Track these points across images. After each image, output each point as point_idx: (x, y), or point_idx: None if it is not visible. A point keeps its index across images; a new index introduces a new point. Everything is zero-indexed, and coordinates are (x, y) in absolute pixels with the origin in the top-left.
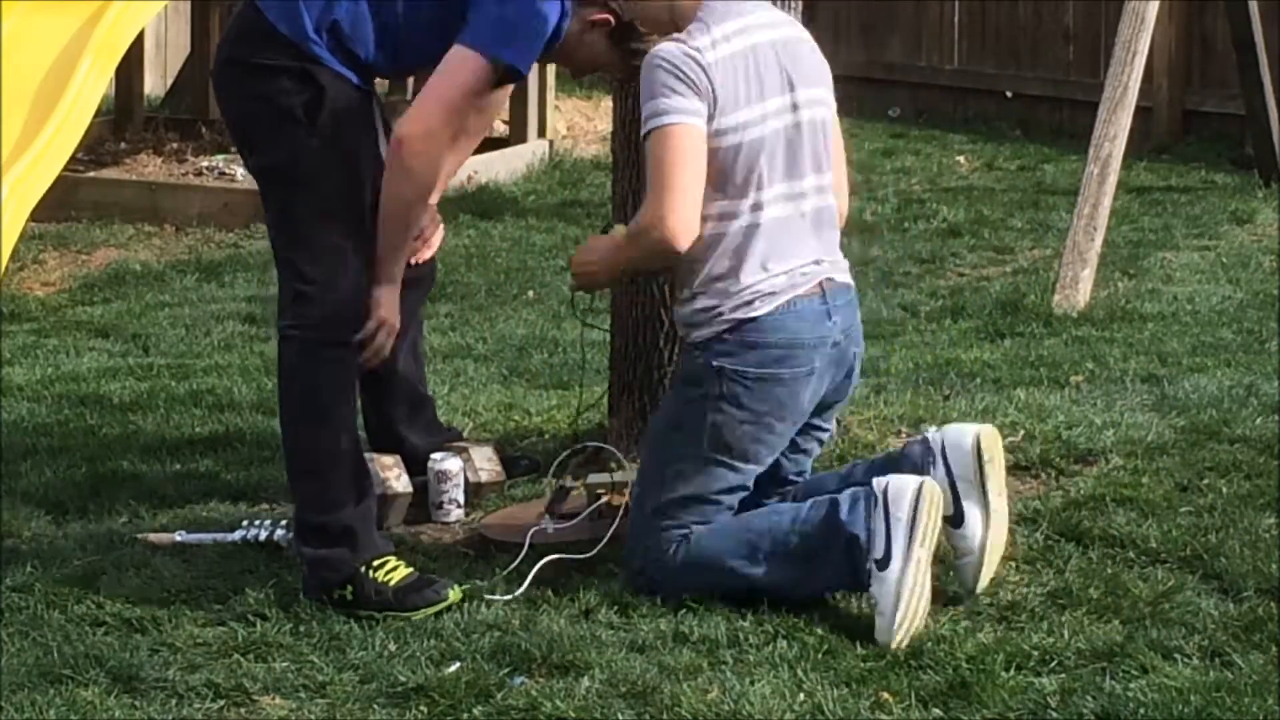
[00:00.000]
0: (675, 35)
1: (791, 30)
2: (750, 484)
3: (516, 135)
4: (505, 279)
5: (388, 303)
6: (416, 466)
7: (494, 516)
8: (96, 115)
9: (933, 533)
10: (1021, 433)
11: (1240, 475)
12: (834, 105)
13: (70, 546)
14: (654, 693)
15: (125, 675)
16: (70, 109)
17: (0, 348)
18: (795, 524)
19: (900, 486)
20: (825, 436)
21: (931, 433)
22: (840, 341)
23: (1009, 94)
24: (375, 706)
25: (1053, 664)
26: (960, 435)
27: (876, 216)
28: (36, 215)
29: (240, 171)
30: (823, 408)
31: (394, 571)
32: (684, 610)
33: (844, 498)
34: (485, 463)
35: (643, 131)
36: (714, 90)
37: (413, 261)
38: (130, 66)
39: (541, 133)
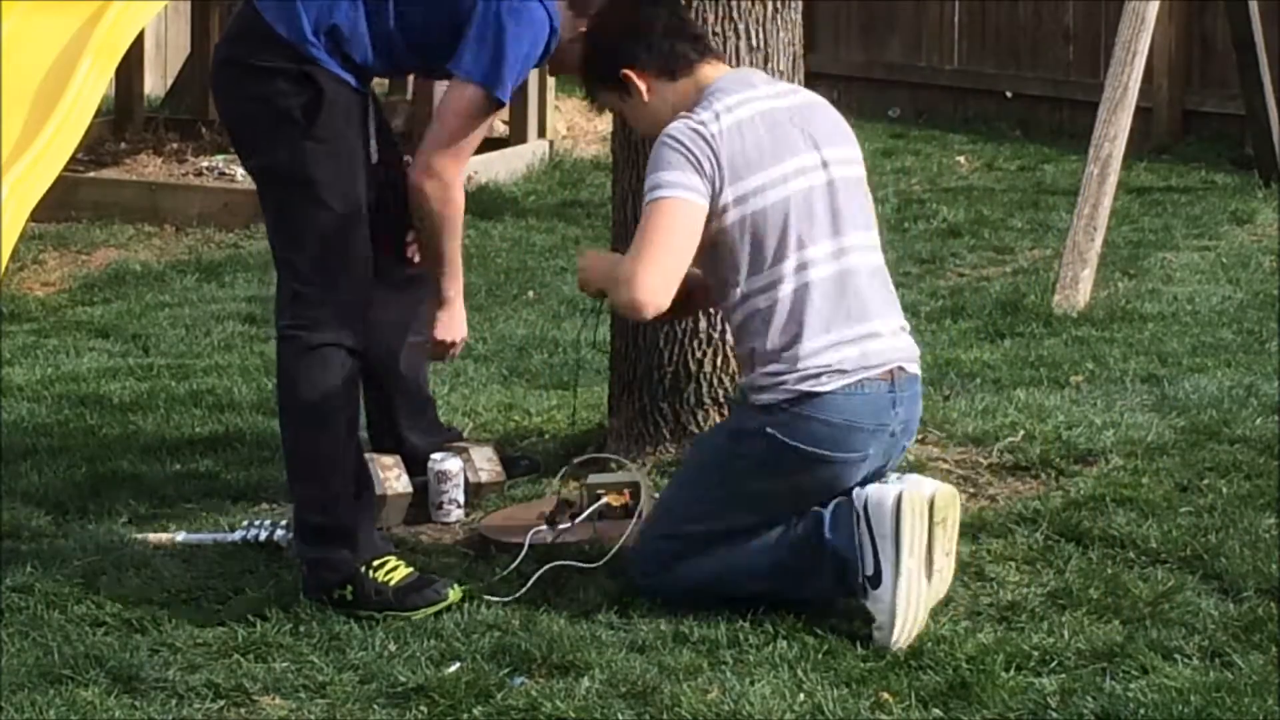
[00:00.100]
0: (684, 113)
1: (805, 97)
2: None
3: (516, 135)
4: (505, 279)
5: (454, 320)
6: (416, 466)
7: (494, 517)
8: (96, 115)
9: (920, 540)
10: (1021, 433)
11: (1240, 475)
12: (862, 165)
13: (70, 546)
14: (654, 693)
15: (125, 675)
16: (70, 109)
17: (0, 348)
18: (785, 538)
19: (879, 499)
20: None
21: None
22: (897, 432)
23: (1009, 94)
24: (375, 706)
25: (1053, 664)
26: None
27: (877, 217)
28: (36, 215)
29: (240, 172)
30: None
31: (394, 571)
32: (684, 610)
33: (827, 514)
34: (485, 463)
35: (642, 205)
36: (719, 161)
37: (415, 259)
38: (130, 66)
39: (541, 133)
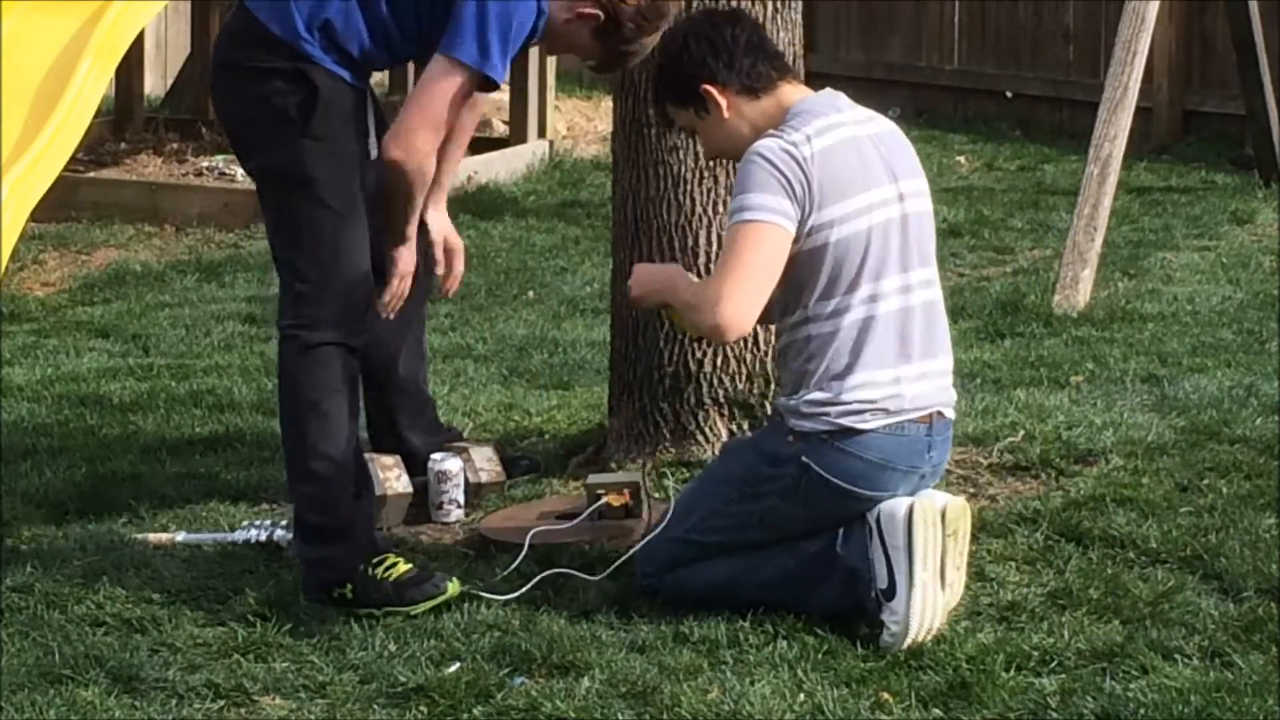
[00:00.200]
0: (772, 131)
1: (884, 124)
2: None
3: (516, 135)
4: (505, 279)
5: (406, 257)
6: (416, 467)
7: (494, 517)
8: (96, 115)
9: (934, 551)
10: (1021, 433)
11: (1240, 475)
12: (929, 197)
13: (70, 546)
14: (654, 693)
15: (125, 675)
16: (70, 109)
17: (0, 348)
18: (794, 549)
19: (891, 512)
20: None
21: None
22: (926, 475)
23: (1009, 94)
24: (375, 706)
25: (1053, 664)
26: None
27: None
28: (36, 215)
29: (240, 172)
30: None
31: (393, 568)
32: (684, 610)
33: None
34: (485, 463)
35: (728, 221)
36: (810, 185)
37: (436, 292)
38: (130, 66)
39: (541, 133)
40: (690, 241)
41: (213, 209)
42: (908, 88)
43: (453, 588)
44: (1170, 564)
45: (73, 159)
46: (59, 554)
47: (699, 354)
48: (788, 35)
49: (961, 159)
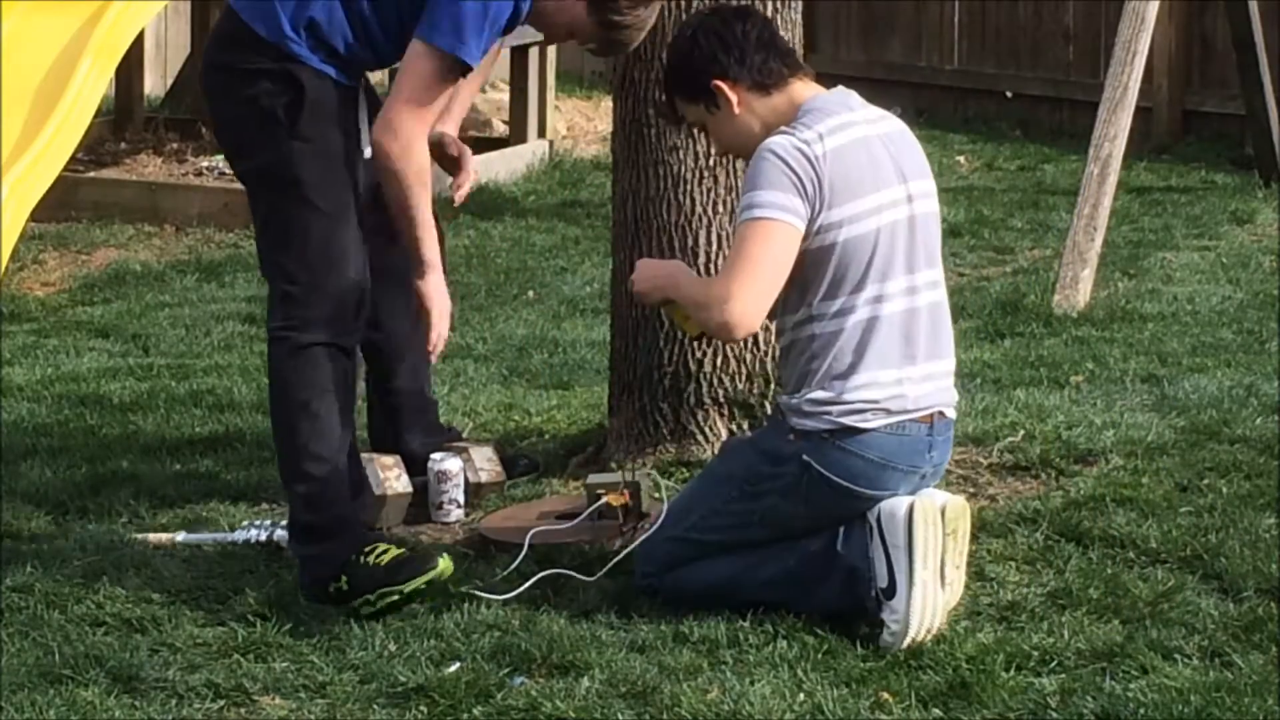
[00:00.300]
0: (784, 128)
1: (895, 124)
2: None
3: (516, 135)
4: (505, 279)
5: (433, 290)
6: (416, 468)
7: (494, 517)
8: (96, 115)
9: (934, 550)
10: (1021, 433)
11: (1240, 475)
12: (937, 198)
13: (70, 546)
14: (654, 693)
15: (125, 675)
16: (70, 109)
17: (0, 348)
18: (795, 548)
19: (891, 511)
20: None
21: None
22: (927, 475)
23: (1009, 94)
24: (375, 706)
25: (1053, 664)
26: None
27: None
28: (36, 215)
29: None
30: None
31: (384, 554)
32: (684, 610)
33: (840, 527)
34: (485, 463)
35: (738, 218)
36: (821, 184)
37: (455, 201)
38: (130, 66)
39: (541, 133)
40: (690, 241)
41: (213, 209)
42: (908, 88)
43: (444, 563)
44: (1170, 564)
45: (73, 159)
46: (59, 554)
47: (699, 354)
48: (788, 35)
49: (961, 159)
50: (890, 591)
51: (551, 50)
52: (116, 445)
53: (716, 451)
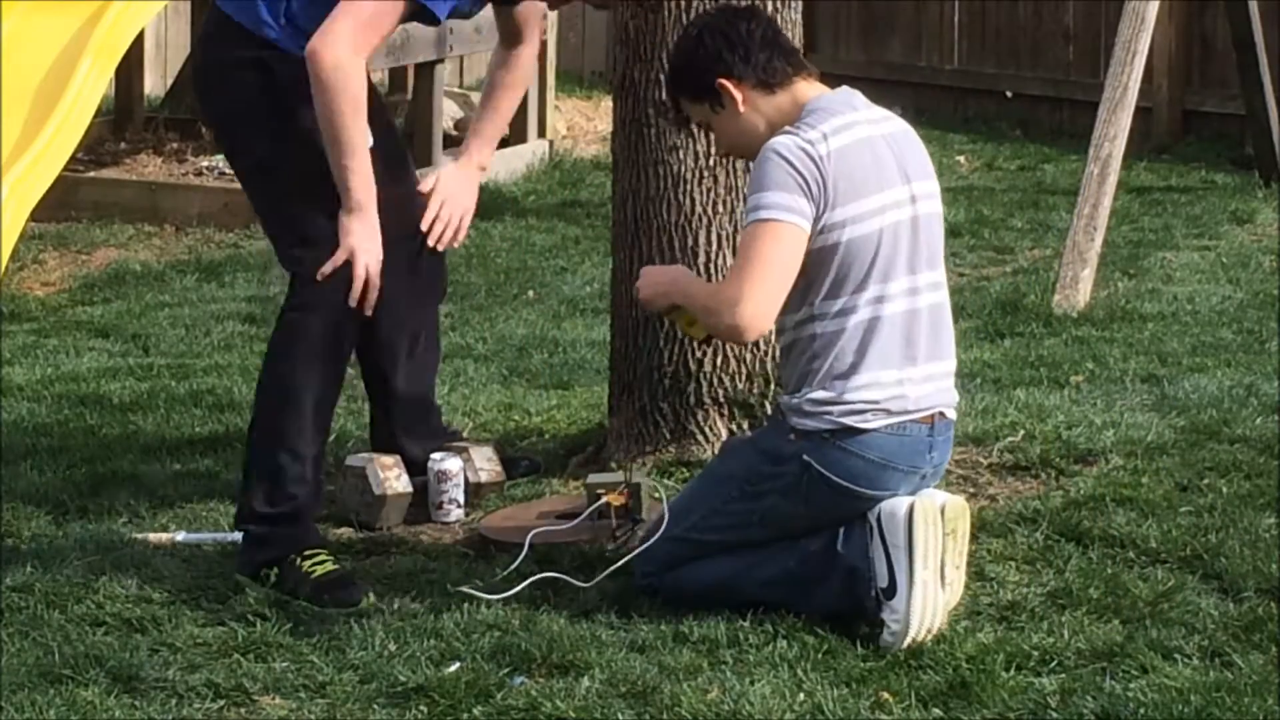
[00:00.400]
0: (788, 128)
1: (899, 125)
2: None
3: (516, 135)
4: (505, 279)
5: (356, 230)
6: (416, 469)
7: (494, 517)
8: (96, 115)
9: (935, 549)
10: (1021, 433)
11: (1240, 475)
12: (940, 199)
13: (70, 546)
14: (654, 693)
15: (125, 675)
16: (70, 109)
17: (0, 348)
18: (795, 548)
19: (892, 510)
20: None
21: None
22: (927, 475)
23: (1009, 94)
24: (375, 706)
25: (1053, 664)
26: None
27: None
28: (36, 215)
29: None
30: None
31: (319, 565)
32: (684, 610)
33: (840, 528)
34: (485, 463)
35: (745, 219)
36: (825, 183)
37: (440, 248)
38: (130, 66)
39: (541, 133)
40: (690, 241)
41: (213, 209)
42: (908, 88)
43: (366, 602)
44: (1170, 564)
45: (73, 159)
46: (59, 554)
47: (699, 354)
48: (788, 35)
49: (961, 159)
50: (890, 591)
51: (551, 50)
52: (116, 445)
53: (716, 451)
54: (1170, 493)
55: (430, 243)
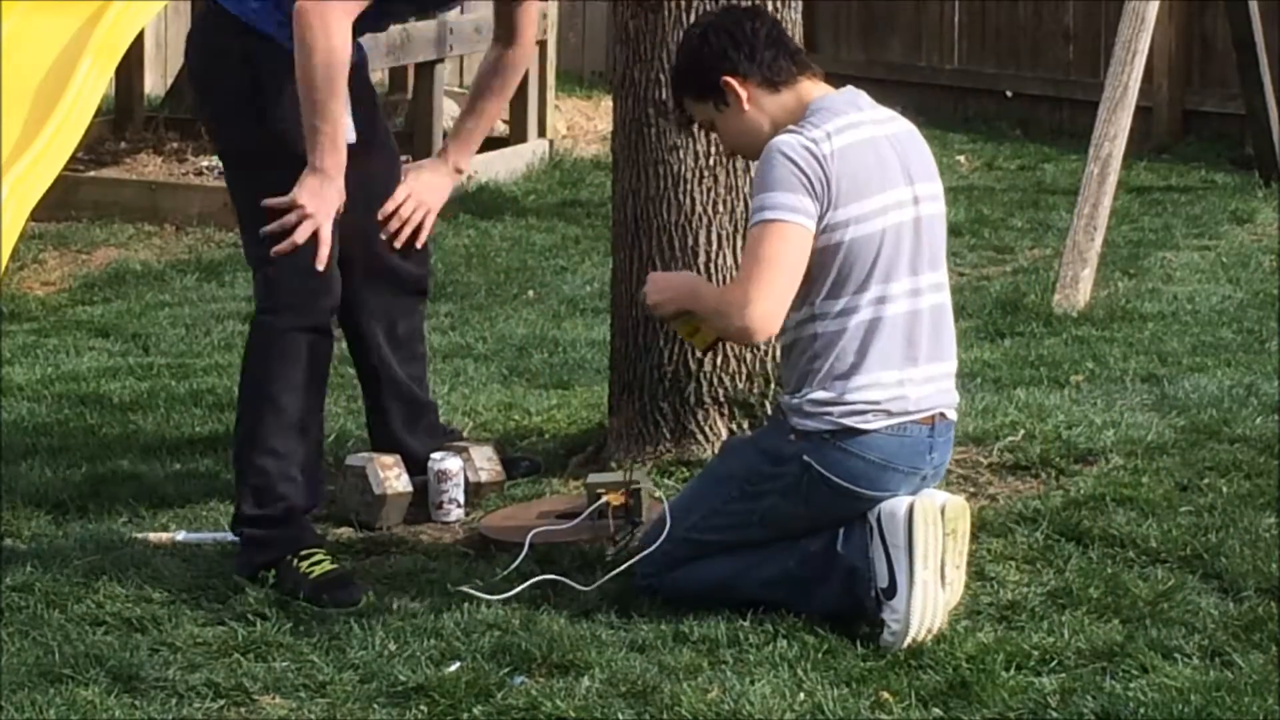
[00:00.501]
0: (791, 127)
1: (903, 125)
2: None
3: (516, 135)
4: (505, 279)
5: (309, 187)
6: (416, 467)
7: (494, 517)
8: (96, 115)
9: (935, 549)
10: (1021, 433)
11: (1240, 475)
12: (943, 201)
13: (70, 546)
14: (654, 693)
15: (125, 675)
16: (70, 109)
17: (0, 348)
18: (795, 548)
19: (892, 510)
20: None
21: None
22: (928, 476)
23: (1009, 94)
24: (375, 706)
25: (1053, 664)
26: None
27: None
28: (36, 215)
29: None
30: None
31: (316, 565)
32: (684, 610)
33: (840, 528)
34: (485, 463)
35: (751, 220)
36: (829, 183)
37: (396, 245)
38: (130, 66)
39: (541, 132)
40: (690, 241)
41: (213, 208)
42: (908, 87)
43: (364, 601)
44: (1170, 563)
45: (73, 158)
46: (59, 554)
47: (699, 354)
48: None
49: (961, 159)
50: (890, 591)
51: (551, 50)
52: (116, 445)
53: (716, 451)
54: (1170, 492)
55: (383, 237)
